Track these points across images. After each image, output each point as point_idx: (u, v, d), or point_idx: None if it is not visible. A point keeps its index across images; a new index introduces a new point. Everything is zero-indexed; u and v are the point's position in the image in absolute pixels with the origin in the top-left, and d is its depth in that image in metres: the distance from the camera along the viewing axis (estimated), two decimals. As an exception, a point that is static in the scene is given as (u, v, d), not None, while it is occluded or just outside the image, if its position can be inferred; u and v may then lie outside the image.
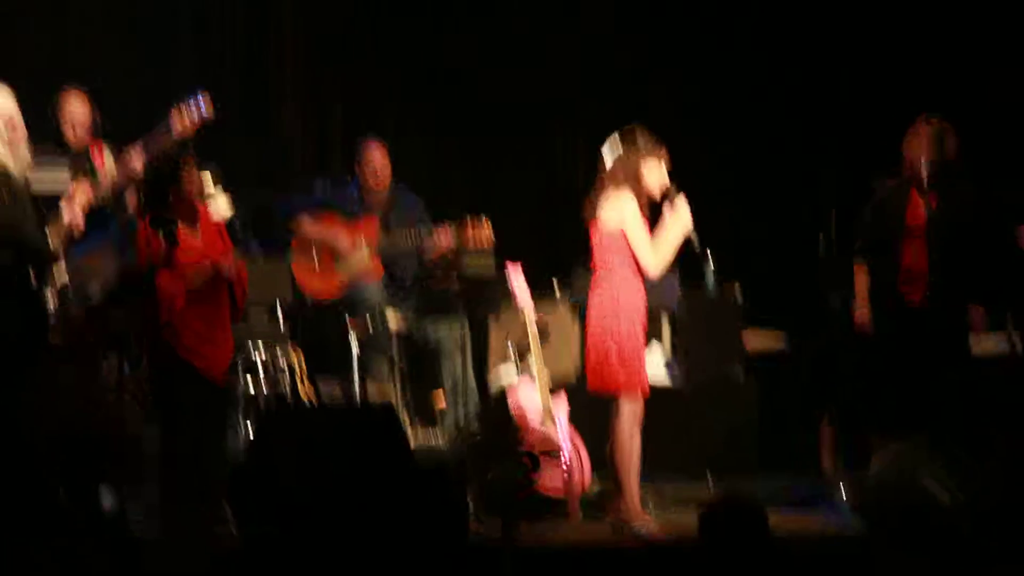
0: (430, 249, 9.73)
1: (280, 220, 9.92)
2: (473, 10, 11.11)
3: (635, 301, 7.58)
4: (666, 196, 7.64)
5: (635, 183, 7.56)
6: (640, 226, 7.52)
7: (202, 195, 7.94)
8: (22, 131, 7.95)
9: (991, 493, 7.15)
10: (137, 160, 8.76)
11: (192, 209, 7.84)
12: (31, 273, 7.56)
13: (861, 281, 8.61)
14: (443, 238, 9.64)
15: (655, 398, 8.14)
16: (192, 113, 8.91)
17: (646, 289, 7.74)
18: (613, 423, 7.59)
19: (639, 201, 7.59)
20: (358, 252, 9.78)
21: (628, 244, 7.54)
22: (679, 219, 7.58)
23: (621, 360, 7.53)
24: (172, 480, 7.67)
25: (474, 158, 11.18)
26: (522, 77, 11.10)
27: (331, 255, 9.83)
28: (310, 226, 9.84)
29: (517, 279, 8.39)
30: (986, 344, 9.01)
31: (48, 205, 8.14)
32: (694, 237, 7.62)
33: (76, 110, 9.10)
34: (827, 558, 7.10)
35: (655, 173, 7.58)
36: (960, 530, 5.13)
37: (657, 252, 7.53)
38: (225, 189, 9.10)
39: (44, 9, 10.35)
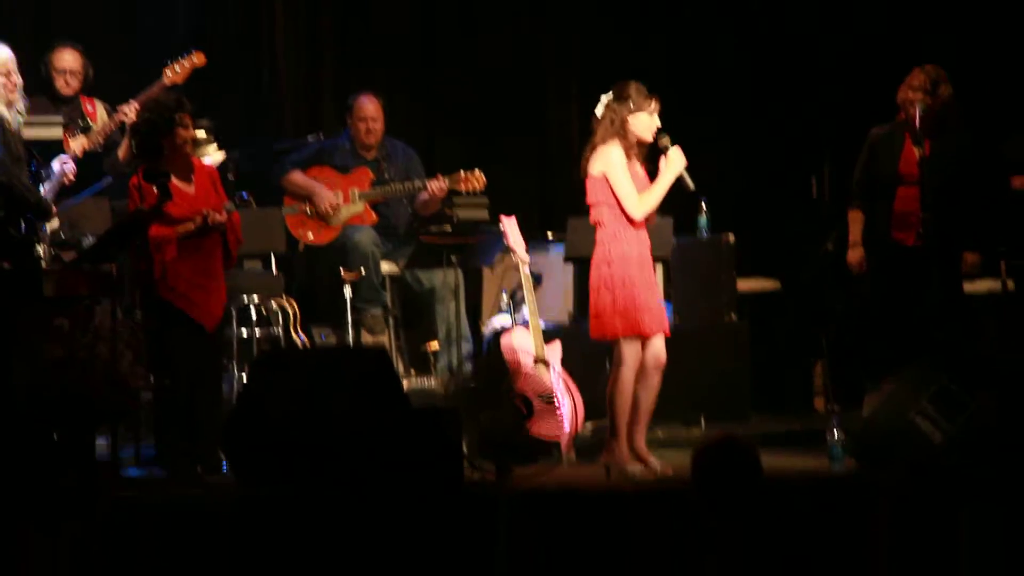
0: (424, 197, 9.74)
1: (273, 176, 9.93)
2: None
3: (626, 249, 7.65)
4: (661, 146, 7.64)
5: (622, 135, 7.64)
6: (622, 174, 7.60)
7: (196, 146, 7.95)
8: (18, 83, 7.97)
9: (982, 427, 7.20)
10: (131, 113, 8.79)
11: (186, 160, 7.85)
12: (23, 223, 7.58)
13: (855, 225, 8.65)
14: (437, 185, 9.65)
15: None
16: (183, 62, 8.97)
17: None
18: (613, 368, 7.67)
19: (630, 152, 7.67)
20: (350, 204, 9.78)
21: (614, 193, 7.62)
22: (671, 167, 7.63)
23: (615, 307, 7.60)
24: (167, 427, 7.71)
25: (468, 117, 11.17)
26: (517, 37, 11.12)
27: (321, 213, 9.83)
28: (300, 181, 9.85)
29: (512, 230, 8.41)
30: (979, 287, 9.03)
31: (41, 152, 8.19)
32: (687, 178, 7.63)
33: (69, 63, 9.14)
34: (820, 498, 7.11)
35: (643, 124, 7.65)
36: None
37: (643, 198, 7.61)
38: (218, 142, 9.17)
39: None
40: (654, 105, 7.67)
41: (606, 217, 7.67)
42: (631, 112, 7.64)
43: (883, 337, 8.46)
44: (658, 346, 7.67)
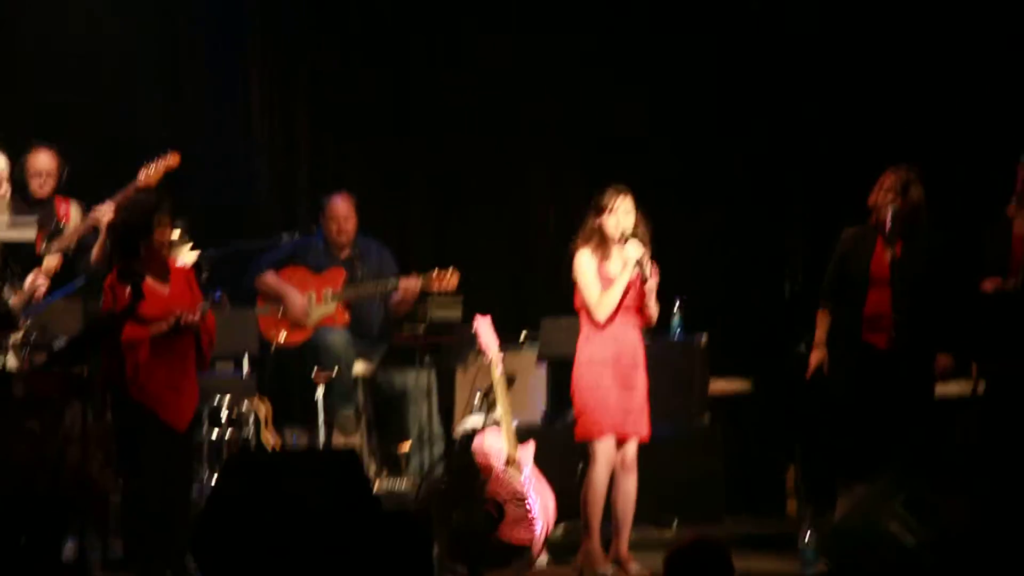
0: (398, 297, 9.75)
1: (247, 277, 9.94)
2: (442, 63, 11.16)
3: (596, 351, 7.78)
4: (620, 241, 7.82)
5: (593, 239, 7.82)
6: (587, 279, 7.78)
7: (172, 247, 7.95)
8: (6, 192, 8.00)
9: (955, 532, 7.17)
10: (106, 214, 8.81)
11: (162, 261, 7.84)
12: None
13: (821, 326, 8.66)
14: (410, 285, 9.66)
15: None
16: (158, 163, 9.01)
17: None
18: (587, 468, 7.82)
19: (606, 254, 7.79)
20: (322, 305, 9.79)
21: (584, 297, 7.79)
22: (628, 261, 7.76)
23: (584, 409, 7.76)
24: (136, 530, 7.65)
25: (444, 215, 11.23)
26: (492, 135, 11.17)
27: (292, 316, 9.83)
28: (273, 284, 9.86)
29: (485, 330, 8.44)
30: (950, 389, 9.04)
31: (12, 253, 8.18)
32: (644, 268, 7.76)
33: (43, 165, 9.16)
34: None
35: (610, 224, 7.82)
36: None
37: (602, 298, 7.75)
38: (193, 242, 9.18)
39: (13, 72, 10.35)
40: (618, 202, 7.76)
41: (582, 320, 7.86)
42: (599, 215, 7.77)
43: (855, 440, 8.45)
44: (628, 449, 7.69)
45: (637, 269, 7.75)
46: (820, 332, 8.63)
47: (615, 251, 7.83)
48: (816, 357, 8.59)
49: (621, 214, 7.78)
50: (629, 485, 7.74)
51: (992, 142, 9.99)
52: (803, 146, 10.93)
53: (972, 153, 10.36)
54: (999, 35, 10.46)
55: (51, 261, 8.71)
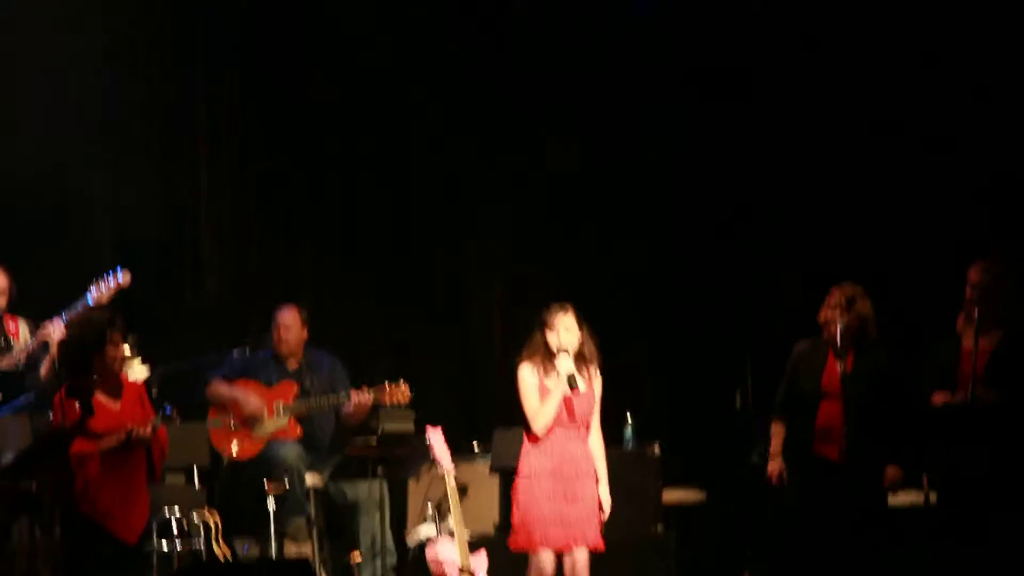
0: (349, 410, 9.73)
1: (197, 389, 9.93)
2: (387, 178, 11.23)
3: (533, 464, 7.88)
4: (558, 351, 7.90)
5: (536, 354, 7.95)
6: (525, 391, 7.92)
7: (123, 363, 7.96)
8: None
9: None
10: (55, 331, 8.80)
11: (114, 376, 7.83)
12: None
13: (777, 436, 8.74)
14: (362, 399, 9.65)
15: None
16: (109, 281, 9.02)
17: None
18: None
19: (549, 368, 7.89)
20: (274, 418, 9.77)
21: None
22: (559, 373, 7.83)
23: (519, 522, 7.87)
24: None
25: (396, 327, 11.27)
26: (438, 246, 11.23)
27: (246, 418, 9.82)
28: (224, 390, 9.85)
29: (437, 441, 8.45)
30: (901, 499, 9.07)
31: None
32: (575, 381, 7.83)
33: (3, 285, 9.13)
34: None
35: (552, 339, 7.92)
36: None
37: (539, 411, 7.86)
38: (142, 357, 9.17)
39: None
40: (559, 319, 7.91)
41: (524, 433, 7.96)
42: (541, 331, 7.92)
43: (807, 550, 8.47)
44: (578, 557, 7.71)
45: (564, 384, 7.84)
46: (776, 443, 8.71)
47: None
48: (774, 467, 8.65)
49: (562, 330, 7.90)
50: None
51: (940, 256, 10.10)
52: (753, 261, 11.03)
53: (921, 267, 10.46)
54: (949, 143, 10.62)
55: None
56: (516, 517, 7.84)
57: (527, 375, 7.91)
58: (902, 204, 10.69)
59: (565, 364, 7.84)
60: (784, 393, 8.74)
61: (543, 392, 7.84)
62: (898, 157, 10.71)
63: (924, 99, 10.57)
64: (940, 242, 10.37)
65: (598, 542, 7.87)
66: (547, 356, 7.91)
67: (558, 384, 7.85)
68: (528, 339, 8.01)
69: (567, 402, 7.86)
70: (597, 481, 7.99)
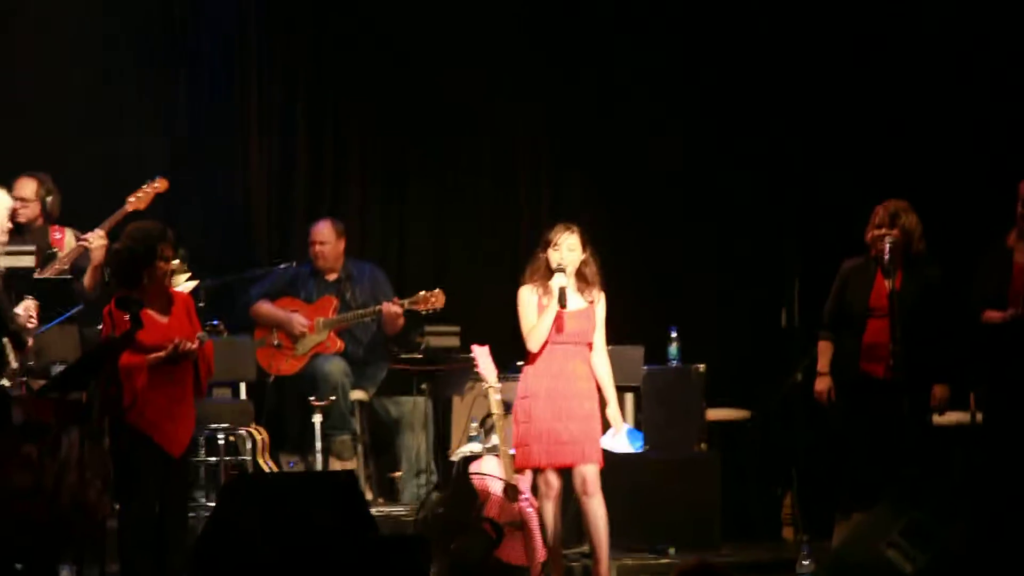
0: (384, 320, 9.77)
1: (241, 308, 9.99)
2: (433, 91, 11.20)
3: (532, 383, 7.94)
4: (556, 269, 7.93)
5: (536, 275, 7.99)
6: (524, 309, 7.98)
7: (172, 276, 7.99)
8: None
9: (954, 560, 7.18)
10: (95, 240, 8.85)
11: (163, 290, 7.86)
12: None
13: (824, 355, 8.69)
14: (390, 308, 9.68)
15: (618, 470, 8.19)
16: (146, 189, 9.07)
17: (611, 364, 8.08)
18: None
19: (548, 288, 7.90)
20: (315, 334, 9.83)
21: None
22: (553, 291, 7.85)
23: (519, 442, 7.93)
24: (133, 556, 7.65)
25: (443, 245, 11.26)
26: (491, 164, 11.20)
27: (290, 335, 9.89)
28: (266, 311, 9.91)
29: (483, 360, 8.48)
30: (948, 419, 9.06)
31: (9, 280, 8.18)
32: (563, 298, 7.84)
33: (20, 191, 9.21)
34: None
35: (553, 258, 7.95)
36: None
37: (533, 328, 7.90)
38: (191, 272, 9.21)
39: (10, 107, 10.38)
40: (563, 238, 7.91)
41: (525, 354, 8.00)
42: (544, 250, 7.96)
43: (852, 468, 8.47)
44: (583, 473, 7.75)
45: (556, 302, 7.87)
46: (823, 361, 8.67)
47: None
48: (821, 385, 8.61)
49: (564, 250, 7.91)
50: (595, 509, 7.79)
51: (990, 172, 10.05)
52: (799, 179, 10.99)
53: (971, 183, 10.41)
54: (994, 62, 10.54)
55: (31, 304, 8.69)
56: (517, 438, 7.90)
57: (526, 294, 7.96)
58: (954, 117, 10.63)
59: (558, 280, 7.85)
60: (831, 311, 8.70)
61: (541, 312, 7.87)
62: (948, 68, 10.64)
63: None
64: (992, 156, 10.31)
65: (597, 459, 7.87)
66: (547, 276, 7.93)
67: (551, 301, 7.86)
68: (531, 259, 8.05)
69: (559, 318, 7.87)
70: (601, 402, 7.99)
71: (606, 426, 8.01)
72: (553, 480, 7.80)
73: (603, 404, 8.00)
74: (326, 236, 10.02)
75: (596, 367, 7.97)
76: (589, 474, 7.78)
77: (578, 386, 7.87)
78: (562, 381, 7.87)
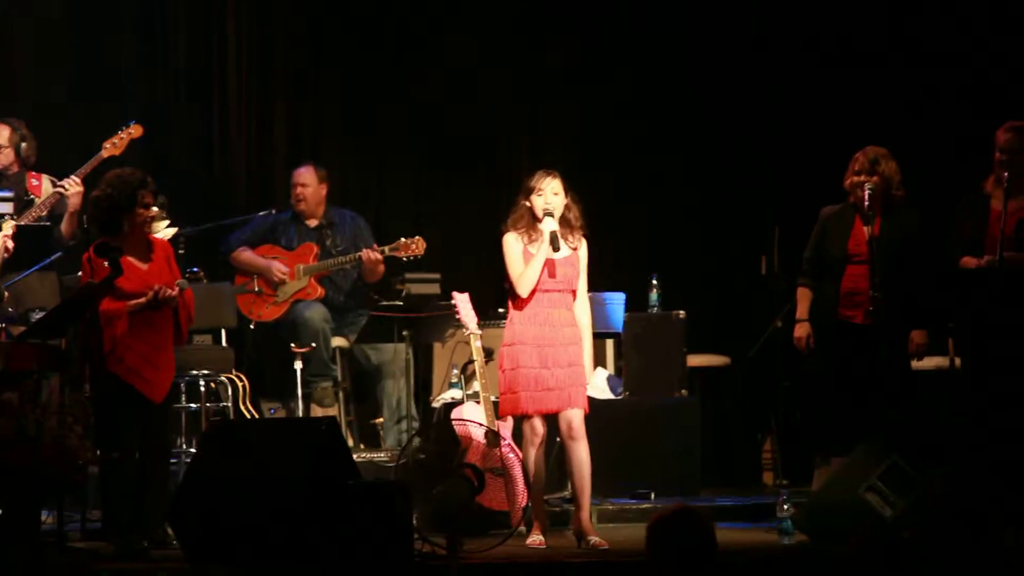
0: (364, 267, 9.77)
1: (222, 253, 9.99)
2: (412, 42, 11.15)
3: (516, 333, 7.91)
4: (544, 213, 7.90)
5: (527, 220, 7.94)
6: (511, 256, 7.93)
7: (152, 223, 7.97)
8: None
9: (933, 503, 7.21)
10: (72, 187, 8.82)
11: (143, 237, 7.85)
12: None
13: (803, 301, 8.70)
14: (370, 255, 9.68)
15: (600, 416, 8.21)
16: (121, 135, 9.05)
17: (592, 311, 8.07)
18: None
19: (533, 235, 7.89)
20: (295, 281, 9.82)
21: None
22: (543, 234, 7.84)
23: (505, 389, 7.91)
24: (115, 503, 7.67)
25: (423, 192, 11.25)
26: (465, 111, 11.18)
27: (270, 282, 9.89)
28: (247, 258, 9.91)
29: (464, 306, 8.48)
30: (927, 364, 9.09)
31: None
32: (556, 241, 7.83)
33: (4, 140, 9.15)
34: (772, 571, 7.14)
35: (537, 204, 7.92)
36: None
37: (523, 273, 7.87)
38: (170, 220, 9.18)
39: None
40: (546, 183, 7.89)
41: (508, 302, 8.00)
42: (527, 197, 7.91)
43: (831, 413, 8.50)
44: (569, 417, 7.77)
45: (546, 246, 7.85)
46: (802, 307, 8.68)
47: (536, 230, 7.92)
48: (801, 331, 8.63)
49: (549, 194, 7.89)
50: (580, 454, 7.80)
51: (968, 117, 10.06)
52: (777, 127, 10.99)
53: (949, 129, 10.42)
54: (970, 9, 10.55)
55: (6, 228, 8.66)
56: (503, 385, 7.89)
57: (512, 242, 7.93)
58: (933, 63, 10.64)
59: (549, 224, 7.84)
60: (810, 258, 8.71)
61: (527, 259, 7.86)
62: (922, 18, 10.66)
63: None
64: (968, 103, 10.32)
65: (583, 403, 7.89)
66: (531, 223, 7.90)
67: (540, 246, 7.86)
68: (513, 207, 8.01)
69: (549, 264, 7.86)
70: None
71: None
72: (539, 426, 7.82)
73: None
74: (308, 179, 10.01)
75: (578, 314, 7.97)
76: (575, 419, 7.79)
77: (564, 332, 7.88)
78: (548, 328, 7.87)
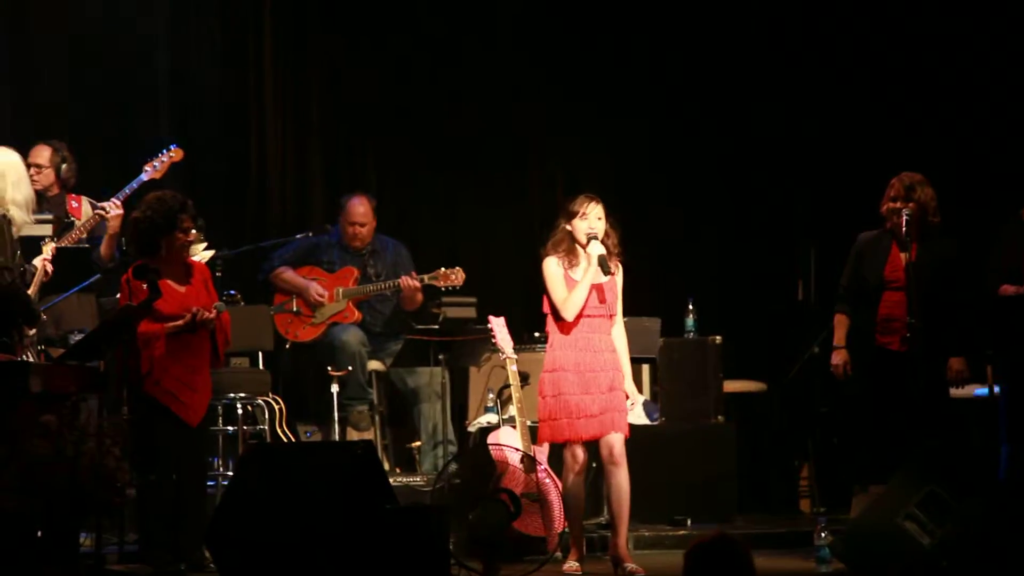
0: (403, 295, 9.79)
1: (263, 272, 10.01)
2: (446, 62, 11.18)
3: (559, 357, 7.87)
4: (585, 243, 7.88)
5: (561, 246, 7.92)
6: (552, 282, 7.89)
7: (191, 247, 8.02)
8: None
9: (971, 532, 7.19)
10: (112, 209, 8.85)
11: (181, 259, 7.89)
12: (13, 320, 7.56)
13: (840, 328, 8.70)
14: (408, 283, 9.69)
15: (636, 442, 8.20)
16: (162, 157, 9.07)
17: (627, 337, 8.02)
18: None
19: (574, 261, 7.88)
20: (334, 303, 9.84)
21: (550, 302, 7.92)
22: (590, 257, 7.82)
23: (546, 416, 7.86)
24: (152, 525, 7.69)
25: (458, 216, 11.26)
26: (502, 139, 11.19)
27: (308, 303, 9.91)
28: (288, 277, 9.93)
29: (500, 331, 8.48)
30: (967, 391, 9.05)
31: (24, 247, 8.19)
32: (604, 265, 7.80)
33: (35, 158, 9.21)
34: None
35: (578, 229, 7.89)
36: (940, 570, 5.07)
37: (570, 296, 7.83)
38: (208, 242, 9.21)
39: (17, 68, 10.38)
40: (589, 208, 7.87)
41: (549, 328, 7.97)
42: (569, 221, 7.89)
43: (870, 441, 8.47)
44: (611, 443, 7.75)
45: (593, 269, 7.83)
46: (840, 334, 8.67)
47: (583, 258, 7.89)
48: (838, 358, 8.61)
49: (593, 219, 7.88)
50: (619, 480, 7.79)
51: (1007, 143, 10.03)
52: (814, 151, 10.97)
53: (986, 156, 10.39)
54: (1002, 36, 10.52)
55: (46, 250, 8.66)
56: (544, 411, 7.85)
57: (553, 266, 7.90)
58: (972, 89, 10.60)
59: (596, 248, 7.82)
60: (847, 284, 8.70)
61: (569, 284, 7.84)
62: (964, 35, 10.63)
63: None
64: (1007, 129, 10.29)
65: (624, 428, 7.87)
66: (571, 247, 7.89)
67: (587, 270, 7.82)
68: (552, 231, 7.98)
69: (597, 288, 7.85)
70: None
71: None
72: (580, 453, 7.80)
73: None
74: (366, 218, 9.99)
75: (616, 339, 7.96)
76: (616, 443, 7.78)
77: (604, 358, 7.86)
78: (589, 354, 7.86)
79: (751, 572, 5.02)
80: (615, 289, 7.93)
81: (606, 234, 7.90)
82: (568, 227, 7.91)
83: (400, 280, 9.73)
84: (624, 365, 7.96)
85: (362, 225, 9.98)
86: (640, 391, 9.75)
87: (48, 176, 9.24)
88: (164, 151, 9.19)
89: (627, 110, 11.18)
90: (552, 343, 7.92)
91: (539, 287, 10.55)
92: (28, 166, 9.06)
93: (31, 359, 7.79)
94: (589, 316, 7.86)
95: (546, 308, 7.94)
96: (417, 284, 9.69)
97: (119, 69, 10.50)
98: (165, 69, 10.75)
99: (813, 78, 11.00)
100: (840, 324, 8.70)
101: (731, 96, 11.16)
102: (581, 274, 7.85)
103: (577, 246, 7.89)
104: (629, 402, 7.96)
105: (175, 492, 7.69)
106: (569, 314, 7.83)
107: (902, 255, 8.43)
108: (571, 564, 7.76)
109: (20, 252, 7.92)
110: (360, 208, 10.00)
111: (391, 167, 11.15)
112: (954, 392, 8.68)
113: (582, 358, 7.84)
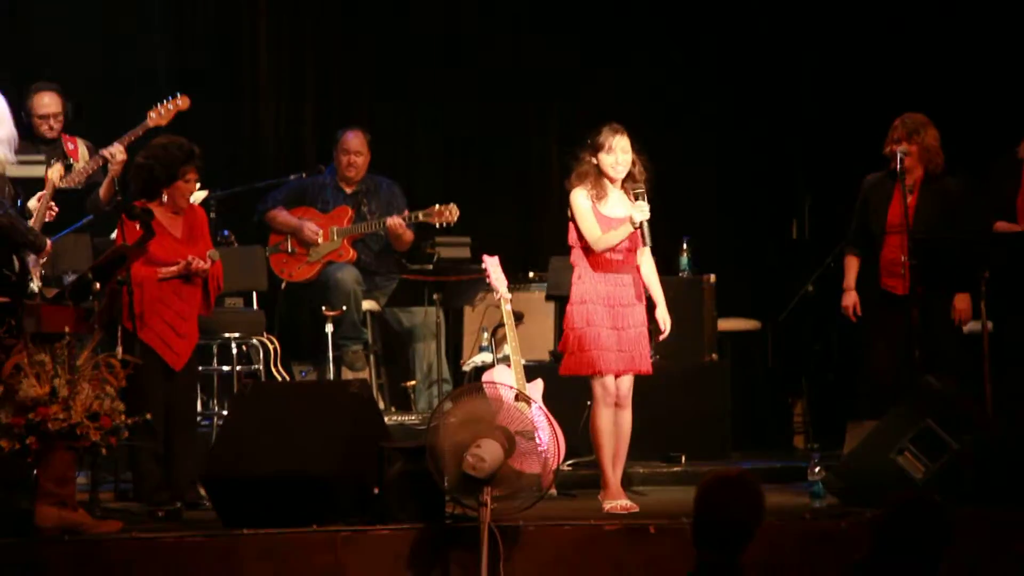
0: (389, 235, 9.78)
1: (257, 213, 10.00)
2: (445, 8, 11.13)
3: (587, 291, 7.77)
4: (632, 197, 7.74)
5: (588, 179, 7.75)
6: (583, 215, 7.72)
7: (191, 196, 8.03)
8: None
9: (965, 466, 7.23)
10: (117, 154, 8.79)
11: (179, 208, 7.92)
12: (16, 260, 7.54)
13: (851, 270, 8.71)
14: (394, 222, 9.68)
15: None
16: (167, 105, 9.00)
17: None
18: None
19: (602, 194, 7.74)
20: (328, 242, 9.84)
21: (580, 235, 7.77)
22: (635, 217, 7.68)
23: (576, 348, 7.76)
24: (144, 466, 7.73)
25: (451, 155, 11.22)
26: (499, 74, 11.14)
27: (303, 243, 9.91)
28: (282, 218, 9.92)
29: (493, 269, 8.45)
30: (971, 328, 9.06)
31: (24, 190, 8.17)
32: (646, 232, 7.69)
33: (49, 107, 9.15)
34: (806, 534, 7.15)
35: (606, 162, 7.74)
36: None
37: (603, 237, 7.71)
38: (200, 182, 9.18)
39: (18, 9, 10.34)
40: (615, 141, 7.73)
41: (575, 259, 7.83)
42: (595, 154, 7.74)
43: (870, 378, 8.50)
44: (622, 385, 7.72)
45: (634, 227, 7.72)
46: (850, 276, 8.70)
47: (611, 191, 7.80)
48: (849, 299, 8.63)
49: (619, 152, 7.75)
50: (622, 420, 7.78)
51: (1003, 81, 10.01)
52: (812, 91, 10.94)
53: (985, 94, 10.36)
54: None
55: (53, 175, 8.60)
56: (572, 343, 7.76)
57: (582, 199, 7.74)
58: (972, 27, 10.56)
59: (641, 213, 7.68)
60: (856, 227, 8.69)
61: (598, 216, 7.76)
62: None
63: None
64: (1005, 67, 10.26)
65: (648, 367, 7.86)
66: (598, 181, 7.77)
67: (625, 225, 7.68)
68: (577, 162, 7.83)
69: (631, 237, 7.78)
70: (651, 305, 7.94)
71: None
72: (611, 386, 7.73)
73: (652, 306, 7.93)
74: (361, 148, 9.98)
75: (644, 270, 7.89)
76: (627, 384, 7.75)
77: (630, 292, 7.78)
78: (618, 288, 7.78)
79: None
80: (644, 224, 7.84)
81: (632, 162, 7.80)
82: (594, 160, 7.77)
83: (386, 219, 9.72)
84: (657, 294, 7.89)
85: (357, 154, 9.96)
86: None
87: (61, 123, 9.19)
88: (169, 98, 9.08)
89: (626, 52, 11.12)
90: (579, 274, 7.80)
91: (532, 224, 10.58)
92: (41, 116, 9.04)
93: (38, 287, 7.77)
94: (618, 250, 7.80)
95: (572, 240, 7.81)
96: (401, 223, 9.68)
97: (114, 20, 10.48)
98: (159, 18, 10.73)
99: (809, 15, 10.94)
100: (850, 266, 8.71)
101: (727, 35, 11.12)
102: (610, 209, 7.74)
103: (604, 180, 7.79)
104: (662, 327, 7.90)
105: (164, 432, 7.71)
106: (598, 248, 7.72)
107: (905, 197, 8.40)
108: (619, 503, 7.67)
109: (10, 189, 7.87)
110: (355, 140, 10.00)
111: (385, 107, 11.09)
112: (967, 329, 8.66)
113: (613, 291, 7.76)
